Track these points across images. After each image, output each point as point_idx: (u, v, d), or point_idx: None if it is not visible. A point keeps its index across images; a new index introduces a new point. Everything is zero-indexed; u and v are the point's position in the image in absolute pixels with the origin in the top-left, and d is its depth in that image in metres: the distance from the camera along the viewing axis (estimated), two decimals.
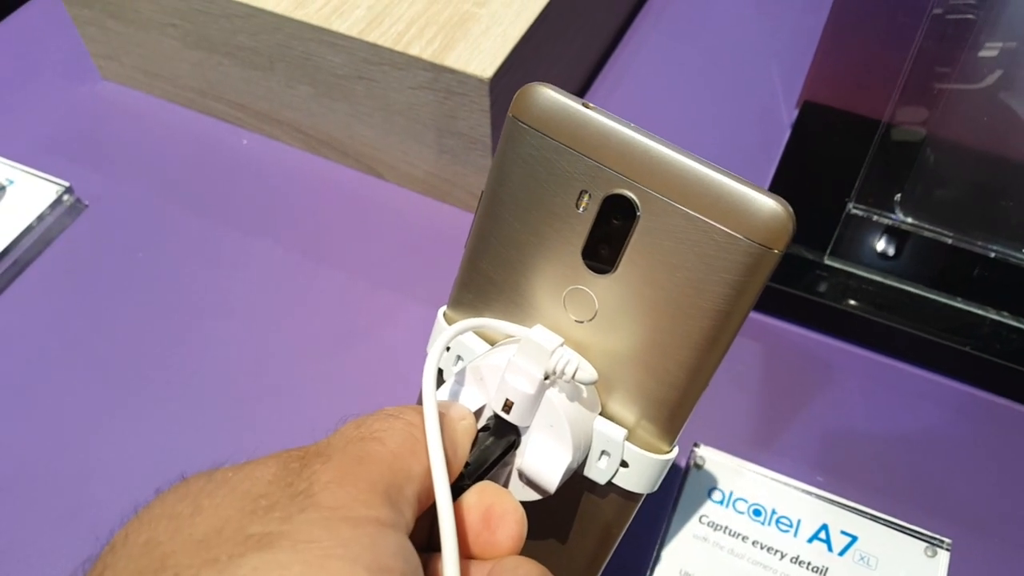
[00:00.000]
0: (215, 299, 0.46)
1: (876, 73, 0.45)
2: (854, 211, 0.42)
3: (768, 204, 0.21)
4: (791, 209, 0.21)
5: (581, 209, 0.23)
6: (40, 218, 0.47)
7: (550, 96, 0.23)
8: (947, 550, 0.36)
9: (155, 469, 0.39)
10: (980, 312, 0.42)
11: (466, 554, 0.22)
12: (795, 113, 0.52)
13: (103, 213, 0.49)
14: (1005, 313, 0.42)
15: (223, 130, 0.54)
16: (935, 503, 0.38)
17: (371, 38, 0.43)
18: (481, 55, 0.42)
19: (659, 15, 0.62)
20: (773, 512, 0.37)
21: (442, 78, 0.42)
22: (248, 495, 0.18)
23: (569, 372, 0.23)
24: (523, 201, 0.24)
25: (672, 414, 0.24)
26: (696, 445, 0.38)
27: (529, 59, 0.45)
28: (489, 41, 0.43)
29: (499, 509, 0.21)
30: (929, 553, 0.36)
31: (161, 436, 0.41)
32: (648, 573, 0.35)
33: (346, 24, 0.43)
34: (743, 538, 0.37)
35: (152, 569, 0.17)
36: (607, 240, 0.23)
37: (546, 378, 0.23)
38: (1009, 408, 0.42)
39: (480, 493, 0.22)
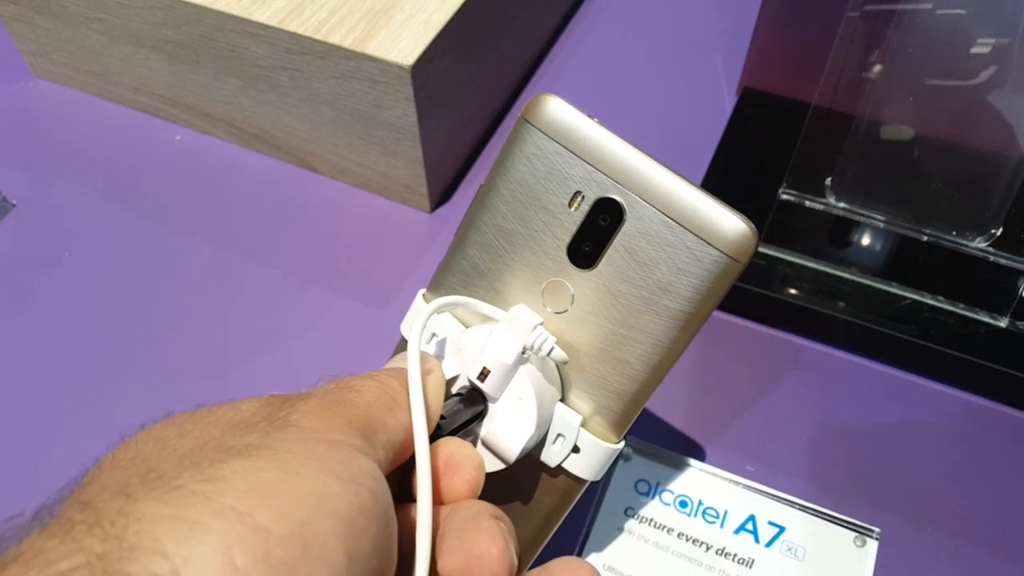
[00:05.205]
0: (143, 299, 0.45)
1: (810, 57, 0.44)
2: (785, 196, 0.41)
3: (737, 222, 0.24)
4: (755, 228, 0.24)
5: (573, 208, 0.25)
6: None
7: (561, 106, 0.25)
8: (876, 539, 0.36)
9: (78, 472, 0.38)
10: (916, 297, 0.42)
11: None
12: (736, 99, 0.51)
13: (30, 212, 0.48)
14: (941, 298, 0.41)
15: (156, 126, 0.53)
16: (866, 492, 0.38)
17: (291, 27, 0.42)
18: (403, 43, 0.41)
19: (606, 2, 0.61)
20: (700, 503, 0.36)
21: (364, 67, 0.41)
22: (231, 422, 0.20)
23: (546, 349, 0.25)
24: (520, 195, 0.26)
25: (627, 406, 0.26)
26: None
27: (457, 47, 0.44)
28: (412, 28, 0.42)
29: (458, 456, 0.23)
30: (858, 543, 0.36)
31: (85, 439, 0.40)
32: None
33: (267, 14, 0.42)
34: (668, 530, 0.36)
35: (138, 475, 0.18)
36: (592, 239, 0.25)
37: (524, 352, 0.25)
38: (945, 394, 0.41)
39: (443, 444, 0.24)
